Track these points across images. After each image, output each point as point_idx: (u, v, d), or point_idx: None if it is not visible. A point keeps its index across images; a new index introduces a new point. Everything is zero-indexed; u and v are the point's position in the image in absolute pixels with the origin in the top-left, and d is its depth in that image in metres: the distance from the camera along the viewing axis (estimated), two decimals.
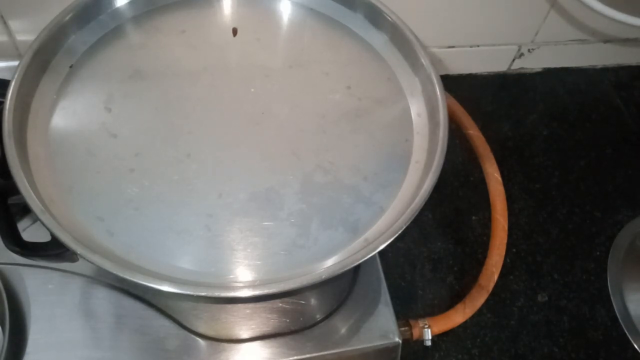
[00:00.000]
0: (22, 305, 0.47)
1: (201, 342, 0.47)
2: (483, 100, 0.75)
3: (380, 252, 0.38)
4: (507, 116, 0.74)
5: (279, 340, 0.48)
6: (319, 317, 0.49)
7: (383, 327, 0.49)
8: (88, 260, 0.35)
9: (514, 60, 0.76)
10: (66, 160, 0.40)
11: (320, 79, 0.47)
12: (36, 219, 0.39)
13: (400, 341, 0.49)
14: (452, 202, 0.66)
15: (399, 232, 0.38)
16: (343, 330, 0.49)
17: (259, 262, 0.38)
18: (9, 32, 0.58)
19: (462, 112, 0.63)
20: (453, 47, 0.72)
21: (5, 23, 0.57)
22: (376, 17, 0.49)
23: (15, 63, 0.41)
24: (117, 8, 0.48)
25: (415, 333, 0.51)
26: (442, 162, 0.41)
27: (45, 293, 0.48)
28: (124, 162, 0.41)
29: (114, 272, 0.34)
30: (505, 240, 0.56)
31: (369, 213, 0.41)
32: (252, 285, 0.36)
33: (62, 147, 0.41)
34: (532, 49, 0.75)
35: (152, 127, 0.43)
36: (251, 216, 0.40)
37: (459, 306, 0.53)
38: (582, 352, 0.57)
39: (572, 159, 0.71)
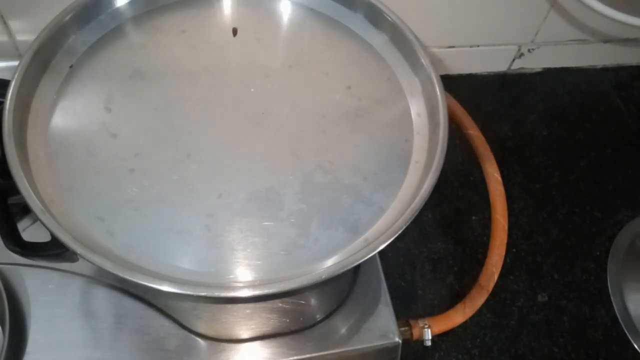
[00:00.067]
0: (22, 305, 0.47)
1: (201, 342, 0.47)
2: (483, 100, 0.75)
3: (380, 252, 0.38)
4: (507, 116, 0.74)
5: (279, 340, 0.48)
6: (319, 317, 0.49)
7: (383, 327, 0.49)
8: (88, 260, 0.35)
9: (514, 60, 0.76)
10: (66, 160, 0.40)
11: (320, 79, 0.47)
12: (36, 219, 0.39)
13: (400, 341, 0.49)
14: (452, 202, 0.66)
15: (399, 232, 0.38)
16: (343, 330, 0.49)
17: (259, 262, 0.38)
18: (9, 32, 0.58)
19: (462, 112, 0.63)
20: (453, 47, 0.72)
21: (5, 23, 0.57)
22: (376, 17, 0.49)
23: (15, 63, 0.41)
24: (117, 8, 0.48)
25: (415, 333, 0.51)
26: (442, 162, 0.41)
27: (45, 293, 0.48)
28: (124, 162, 0.41)
29: (114, 272, 0.34)
30: (505, 240, 0.56)
31: (369, 213, 0.41)
32: (252, 285, 0.36)
33: (62, 147, 0.41)
34: (532, 49, 0.75)
35: (152, 127, 0.43)
36: (251, 216, 0.40)
37: (459, 306, 0.53)
38: (582, 352, 0.57)
39: (572, 159, 0.71)
